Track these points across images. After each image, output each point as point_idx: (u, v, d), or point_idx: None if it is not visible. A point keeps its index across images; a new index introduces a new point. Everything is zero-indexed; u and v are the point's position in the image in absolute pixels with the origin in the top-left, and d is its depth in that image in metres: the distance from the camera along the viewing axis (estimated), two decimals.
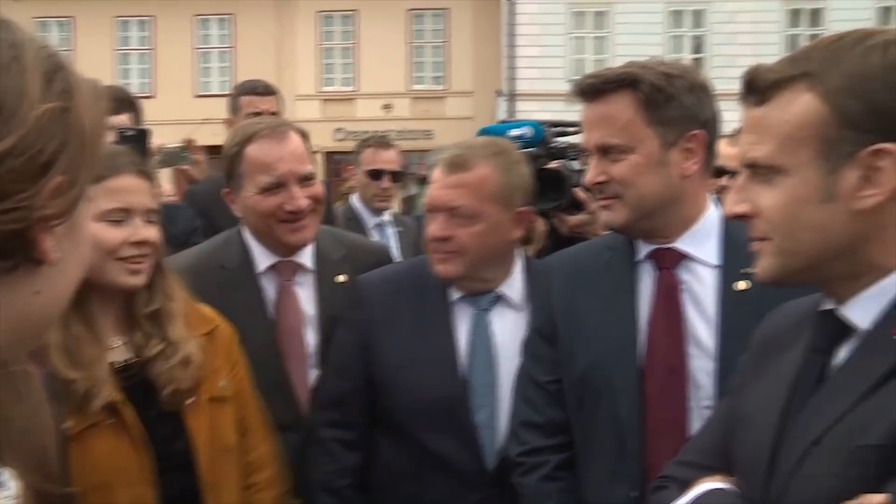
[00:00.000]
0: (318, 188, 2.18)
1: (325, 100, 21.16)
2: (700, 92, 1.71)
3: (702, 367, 1.67)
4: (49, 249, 0.65)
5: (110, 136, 2.59)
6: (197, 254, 2.28)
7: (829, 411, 1.06)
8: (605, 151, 1.70)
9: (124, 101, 3.15)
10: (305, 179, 2.14)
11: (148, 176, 1.76)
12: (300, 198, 2.11)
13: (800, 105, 1.07)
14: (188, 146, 3.32)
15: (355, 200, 4.11)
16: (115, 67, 20.84)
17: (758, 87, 1.11)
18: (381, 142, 4.16)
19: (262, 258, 2.20)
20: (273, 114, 3.61)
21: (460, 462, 1.95)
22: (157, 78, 21.14)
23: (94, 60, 19.88)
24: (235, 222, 2.33)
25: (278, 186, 2.11)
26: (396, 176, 4.11)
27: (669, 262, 1.72)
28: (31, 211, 0.63)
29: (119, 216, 1.68)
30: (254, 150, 2.12)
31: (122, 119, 3.05)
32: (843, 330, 1.11)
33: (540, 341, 1.83)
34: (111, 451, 1.61)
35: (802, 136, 1.07)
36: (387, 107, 21.08)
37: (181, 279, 1.87)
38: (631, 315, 1.72)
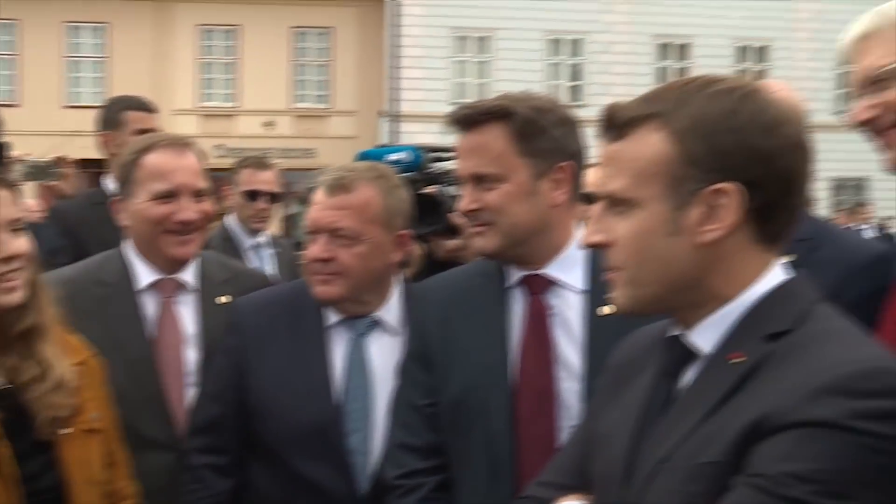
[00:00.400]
0: (209, 205, 2.20)
1: (205, 115, 20.66)
2: (568, 125, 1.80)
3: (570, 388, 1.74)
4: None
5: None
6: (75, 269, 2.26)
7: (675, 431, 1.12)
8: (479, 180, 1.76)
9: None
10: (198, 195, 2.16)
11: (8, 186, 1.68)
12: (191, 210, 2.13)
13: (651, 143, 1.14)
14: (58, 161, 3.19)
15: (231, 221, 4.03)
16: None
17: (614, 124, 1.18)
18: (259, 162, 4.10)
19: (144, 274, 2.19)
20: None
21: (333, 487, 1.95)
22: (23, 86, 20.09)
23: None
24: (104, 244, 2.28)
25: (171, 196, 2.12)
26: (274, 197, 4.06)
27: (539, 288, 1.79)
28: None
29: None
30: (151, 159, 2.14)
31: None
32: (689, 354, 1.18)
33: (415, 365, 1.86)
34: None
35: (653, 172, 1.13)
36: (268, 124, 20.77)
37: (56, 296, 1.79)
38: (502, 339, 1.77)
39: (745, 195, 1.11)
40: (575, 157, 1.79)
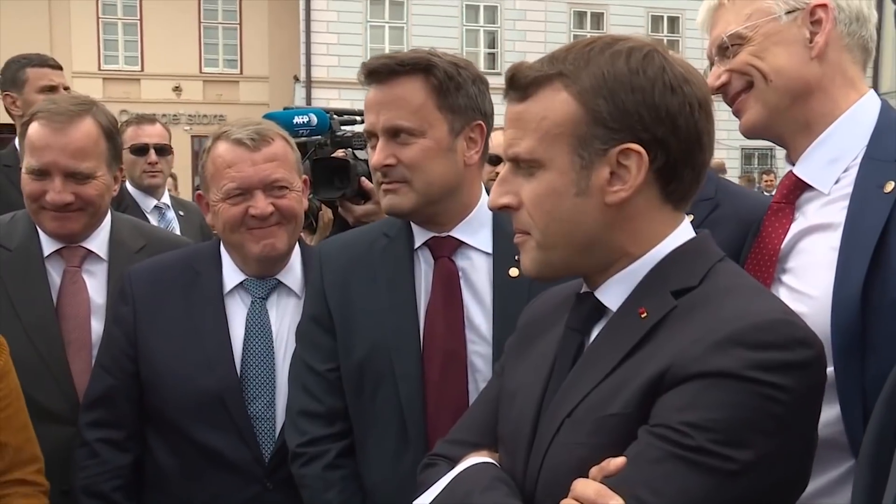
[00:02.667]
0: (90, 189, 2.09)
1: (107, 79, 19.84)
2: (482, 84, 1.77)
3: (478, 351, 1.72)
4: None
5: None
6: None
7: (581, 386, 1.13)
8: (394, 134, 1.70)
9: None
10: (73, 176, 2.05)
11: None
12: (60, 192, 2.04)
13: (556, 102, 1.13)
14: None
15: (128, 185, 3.88)
16: None
17: (519, 84, 1.16)
18: (143, 117, 4.00)
19: (48, 242, 2.10)
20: (66, 89, 3.45)
21: (236, 456, 1.90)
22: None
23: None
24: (10, 206, 2.18)
25: (43, 174, 2.04)
26: (162, 150, 3.93)
27: (447, 251, 1.76)
28: None
29: None
30: (31, 129, 2.06)
31: None
32: (598, 311, 1.19)
33: (315, 328, 1.81)
34: None
35: (559, 132, 1.13)
36: (177, 89, 20.12)
37: None
38: (410, 302, 1.74)
39: (650, 155, 1.11)
40: (487, 117, 1.77)
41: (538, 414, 1.18)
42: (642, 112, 1.11)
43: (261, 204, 1.88)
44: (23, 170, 2.05)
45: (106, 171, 2.10)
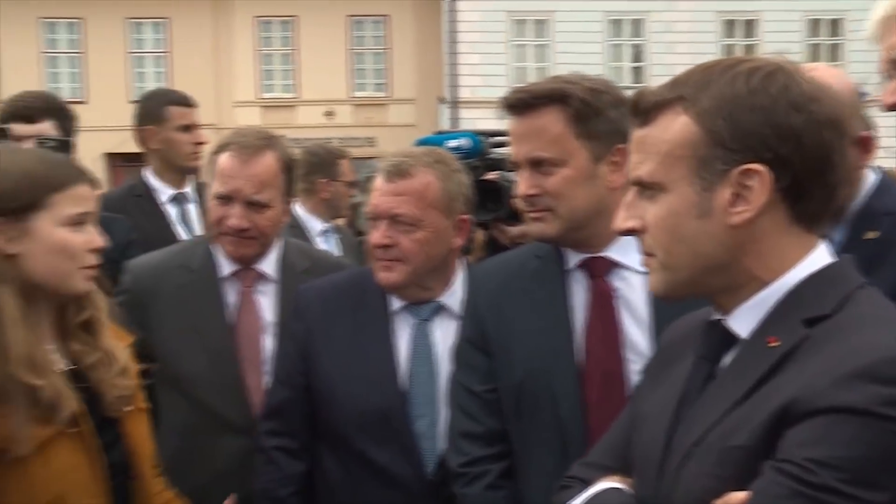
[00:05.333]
0: (266, 218, 2.22)
1: (265, 106, 20.94)
2: (623, 106, 1.74)
3: (638, 370, 1.69)
4: None
5: (29, 145, 2.48)
6: (162, 255, 2.35)
7: (709, 414, 1.12)
8: (536, 165, 1.73)
9: (45, 108, 3.01)
10: (253, 204, 2.19)
11: (91, 182, 1.75)
12: (239, 218, 2.18)
13: (676, 125, 1.15)
14: None
15: (298, 208, 4.04)
16: (43, 71, 20.28)
17: (641, 109, 1.19)
18: (345, 154, 4.35)
19: (225, 263, 2.25)
20: (197, 126, 3.60)
21: (400, 472, 1.96)
22: (89, 83, 20.63)
23: (19, 64, 19.29)
24: (143, 234, 2.39)
25: (227, 199, 2.19)
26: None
27: (601, 271, 1.76)
28: None
29: (80, 222, 1.66)
30: (221, 159, 2.21)
31: (43, 127, 2.92)
32: (728, 339, 1.18)
33: (472, 350, 1.84)
34: (69, 462, 1.59)
35: (679, 154, 1.14)
36: (329, 114, 20.94)
37: (141, 279, 1.99)
38: (565, 323, 1.75)
39: (773, 175, 1.10)
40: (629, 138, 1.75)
41: (668, 441, 1.18)
42: (764, 131, 1.10)
43: (375, 235, 1.99)
44: (210, 196, 2.22)
45: (280, 202, 2.23)
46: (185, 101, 3.55)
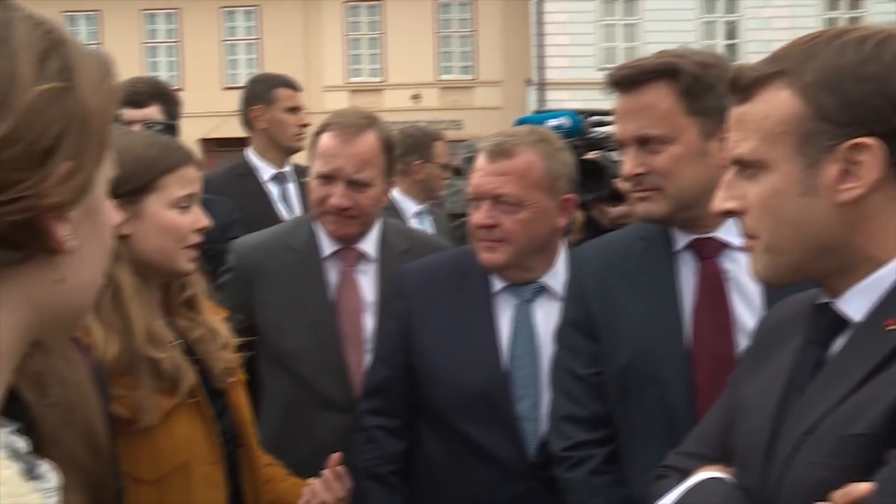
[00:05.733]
0: (367, 197, 2.23)
1: (353, 90, 21.16)
2: None
3: None
4: (63, 238, 0.63)
5: (136, 129, 2.56)
6: (266, 234, 2.41)
7: (821, 402, 1.07)
8: (644, 142, 1.69)
9: (152, 93, 3.11)
10: (354, 184, 2.21)
11: (197, 164, 1.80)
12: (341, 197, 2.20)
13: (778, 101, 1.10)
14: None
15: (393, 190, 4.07)
16: (144, 61, 20.98)
17: (740, 86, 1.14)
18: (441, 136, 4.33)
19: (327, 243, 2.28)
20: (301, 109, 3.73)
21: (501, 453, 1.96)
22: (185, 70, 21.26)
23: (122, 54, 19.98)
24: (245, 213, 2.40)
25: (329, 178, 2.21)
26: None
27: (711, 252, 1.72)
28: (38, 199, 0.60)
29: (186, 204, 1.72)
30: (323, 139, 2.23)
31: (150, 111, 3.02)
32: (839, 323, 1.13)
33: (576, 333, 1.82)
34: (190, 430, 1.67)
35: (781, 130, 1.09)
36: (416, 97, 21.03)
37: (246, 258, 2.09)
38: (673, 305, 1.71)
39: (886, 148, 1.05)
40: None
41: (775, 429, 1.13)
42: (876, 102, 1.04)
43: (478, 215, 1.97)
44: (311, 175, 2.25)
45: (381, 181, 2.25)
46: (292, 85, 3.70)
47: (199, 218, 1.73)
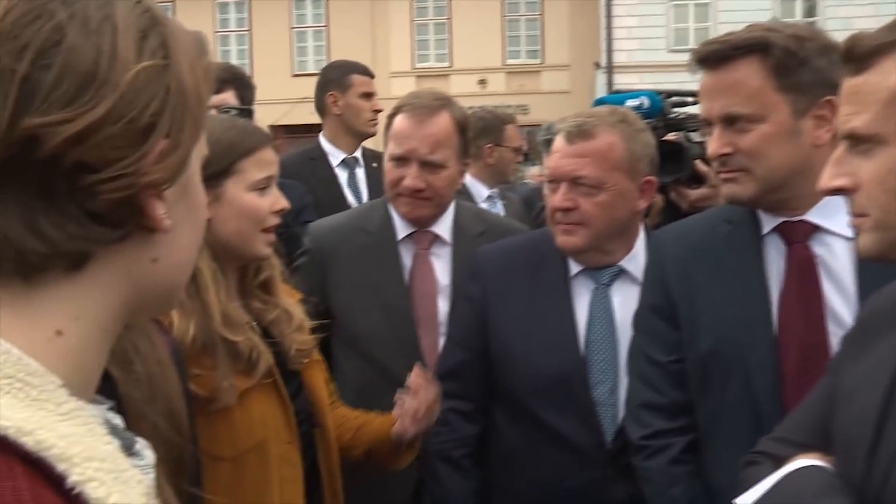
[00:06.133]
0: (440, 178, 2.22)
1: (420, 76, 21.19)
2: (832, 54, 1.60)
3: None
4: (160, 216, 0.63)
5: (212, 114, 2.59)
6: (342, 217, 2.43)
7: None
8: (731, 122, 1.62)
9: (228, 78, 3.16)
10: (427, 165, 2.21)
11: (274, 146, 1.80)
12: (415, 178, 2.20)
13: None
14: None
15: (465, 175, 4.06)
16: (216, 49, 21.37)
17: (856, 56, 1.09)
18: (514, 118, 4.32)
19: (401, 227, 2.28)
20: (373, 95, 3.76)
21: (578, 439, 1.93)
22: (255, 58, 21.59)
23: None
24: (316, 197, 2.40)
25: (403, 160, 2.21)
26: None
27: (800, 236, 1.65)
28: (137, 177, 0.60)
29: (265, 186, 1.73)
30: (396, 121, 2.23)
31: (226, 97, 3.06)
32: None
33: (656, 318, 1.77)
34: (267, 410, 1.69)
35: None
36: (482, 82, 20.95)
37: (322, 240, 2.11)
38: (761, 291, 1.64)
39: None
40: (839, 90, 1.58)
41: (880, 422, 1.08)
42: None
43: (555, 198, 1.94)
44: (385, 158, 2.25)
45: (455, 163, 2.23)
46: (366, 71, 3.75)
47: (277, 200, 1.73)
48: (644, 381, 1.77)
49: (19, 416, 0.53)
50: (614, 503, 1.91)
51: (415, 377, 1.86)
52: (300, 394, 1.80)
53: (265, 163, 1.72)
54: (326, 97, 3.65)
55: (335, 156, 3.62)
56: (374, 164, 3.69)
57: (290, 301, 1.83)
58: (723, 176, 1.66)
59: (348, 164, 3.65)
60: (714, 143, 1.64)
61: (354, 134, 3.65)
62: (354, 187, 3.61)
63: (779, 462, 1.20)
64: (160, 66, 0.61)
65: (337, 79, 3.68)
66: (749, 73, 1.59)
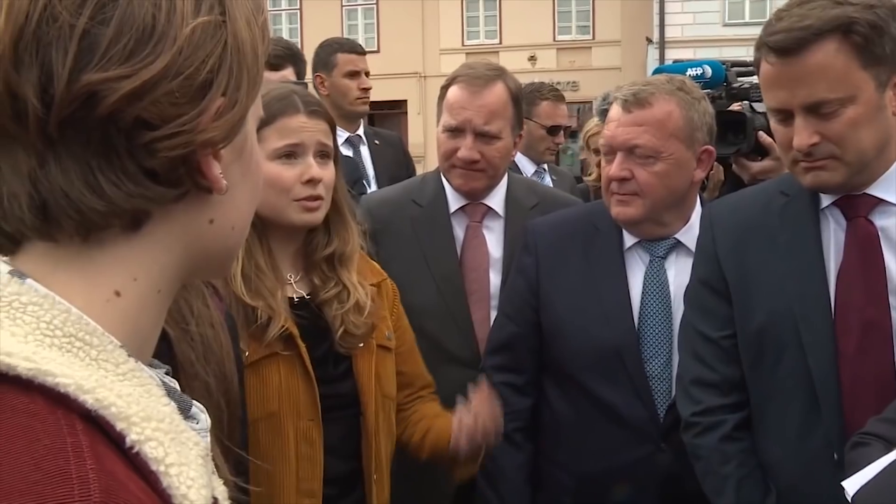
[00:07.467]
0: (495, 149, 2.19)
1: (470, 53, 21.08)
2: None
3: None
4: (217, 176, 0.62)
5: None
6: (395, 189, 2.43)
7: None
8: (815, 109, 1.51)
9: (288, 56, 3.17)
10: (482, 136, 2.18)
11: (321, 115, 1.73)
12: (469, 149, 2.18)
13: None
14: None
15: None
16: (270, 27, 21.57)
17: None
18: (558, 95, 4.08)
19: (454, 199, 2.25)
20: (367, 74, 3.63)
21: (631, 412, 1.90)
22: (305, 36, 21.68)
23: None
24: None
25: (457, 131, 2.19)
26: (567, 131, 4.10)
27: (863, 210, 1.58)
28: (194, 135, 0.59)
29: (290, 154, 1.67)
30: (451, 91, 2.20)
31: (286, 73, 3.06)
32: None
33: (708, 293, 1.72)
34: (284, 382, 1.64)
35: None
36: (532, 58, 20.76)
37: (374, 213, 2.04)
38: (818, 266, 1.59)
39: None
40: None
41: None
42: None
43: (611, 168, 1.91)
44: (439, 129, 2.22)
45: (509, 135, 2.20)
46: (353, 48, 3.63)
47: (306, 169, 1.66)
48: (695, 357, 1.73)
49: (80, 375, 0.53)
50: (666, 478, 1.88)
51: (477, 394, 1.80)
52: (348, 377, 1.73)
53: (289, 131, 1.65)
54: (315, 79, 3.58)
55: (338, 136, 3.55)
56: (377, 142, 3.64)
57: (356, 280, 1.75)
58: (806, 165, 1.55)
59: (352, 142, 3.58)
60: (801, 134, 1.52)
61: (343, 115, 3.48)
62: (359, 165, 3.53)
63: (890, 444, 1.18)
64: (217, 22, 0.60)
65: (323, 59, 3.60)
66: (833, 55, 1.47)
